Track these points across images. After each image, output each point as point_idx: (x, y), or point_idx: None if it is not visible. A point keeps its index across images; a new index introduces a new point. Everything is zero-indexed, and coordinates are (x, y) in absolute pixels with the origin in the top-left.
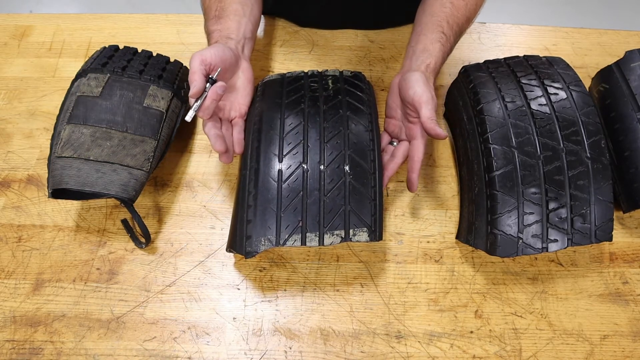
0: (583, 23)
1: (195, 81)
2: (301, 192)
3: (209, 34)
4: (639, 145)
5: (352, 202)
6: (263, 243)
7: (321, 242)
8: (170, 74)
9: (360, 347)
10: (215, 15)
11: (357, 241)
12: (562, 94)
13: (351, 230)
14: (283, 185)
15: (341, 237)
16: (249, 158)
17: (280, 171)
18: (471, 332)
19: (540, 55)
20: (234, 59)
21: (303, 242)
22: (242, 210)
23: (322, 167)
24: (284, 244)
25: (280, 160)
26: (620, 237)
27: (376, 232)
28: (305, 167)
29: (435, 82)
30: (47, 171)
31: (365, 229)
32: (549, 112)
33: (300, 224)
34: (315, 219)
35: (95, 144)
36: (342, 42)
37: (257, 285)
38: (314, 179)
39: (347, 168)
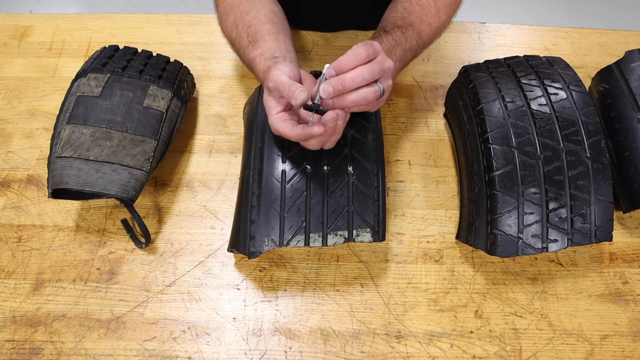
0: (583, 23)
1: (298, 89)
2: (304, 193)
3: (250, 61)
4: (639, 145)
5: (356, 203)
6: (267, 243)
7: (324, 242)
8: (170, 74)
9: (360, 347)
10: (249, 41)
11: (361, 241)
12: (562, 94)
13: (354, 231)
14: (286, 186)
15: (344, 238)
16: (252, 158)
17: (283, 172)
18: (471, 332)
19: (540, 55)
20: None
21: (306, 243)
22: (246, 211)
23: (325, 167)
24: (288, 244)
25: (284, 161)
26: (620, 237)
27: (379, 233)
28: (309, 167)
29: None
30: (47, 171)
31: (369, 229)
32: (549, 112)
33: (304, 225)
34: (318, 219)
35: (95, 144)
36: (343, 42)
37: (257, 285)
38: (317, 180)
39: (350, 169)
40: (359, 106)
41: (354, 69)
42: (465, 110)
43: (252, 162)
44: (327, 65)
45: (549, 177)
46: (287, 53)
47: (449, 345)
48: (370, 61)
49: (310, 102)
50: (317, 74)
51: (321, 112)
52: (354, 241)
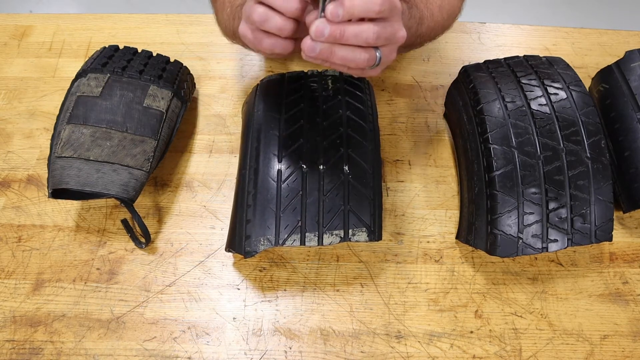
0: (583, 23)
1: None
2: (300, 192)
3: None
4: (639, 145)
5: (352, 202)
6: (262, 243)
7: (320, 242)
8: (170, 74)
9: (360, 347)
10: None
11: (357, 241)
12: (562, 94)
13: (350, 230)
14: (282, 185)
15: (340, 237)
16: (248, 158)
17: (279, 171)
18: (471, 332)
19: (540, 55)
20: None
21: (302, 242)
22: (242, 210)
23: (321, 167)
24: (283, 243)
25: (280, 160)
26: (620, 237)
27: (375, 232)
28: (305, 167)
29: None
30: (47, 171)
31: (365, 228)
32: (549, 112)
33: (300, 224)
34: (314, 218)
35: (95, 144)
36: None
37: (257, 285)
38: (313, 179)
39: (346, 168)
40: (345, 67)
41: (361, 22)
42: (465, 110)
43: (248, 161)
44: None
45: (549, 177)
46: None
47: (449, 345)
48: (380, 20)
49: None
50: None
51: None
52: (350, 240)
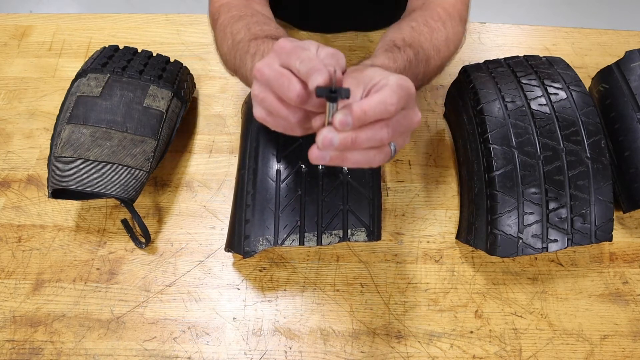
0: (583, 23)
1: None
2: (299, 192)
3: (257, 36)
4: (639, 145)
5: (350, 202)
6: (261, 243)
7: (319, 242)
8: (170, 74)
9: (360, 347)
10: (256, 21)
11: (356, 241)
12: (562, 94)
13: (349, 230)
14: (281, 185)
15: (339, 237)
16: (247, 158)
17: (278, 171)
18: (471, 332)
19: (540, 55)
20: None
21: (301, 242)
22: (241, 210)
23: (320, 167)
24: (282, 243)
25: (279, 160)
26: (620, 237)
27: (374, 232)
28: (304, 167)
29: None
30: (47, 171)
31: (364, 228)
32: (549, 112)
33: (299, 224)
34: (313, 218)
35: (95, 144)
36: (342, 42)
37: (257, 285)
38: (312, 179)
39: (345, 168)
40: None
41: (375, 124)
42: (465, 110)
43: (247, 161)
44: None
45: (549, 177)
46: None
47: (449, 345)
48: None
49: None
50: (321, 92)
51: (333, 99)
52: (349, 240)
